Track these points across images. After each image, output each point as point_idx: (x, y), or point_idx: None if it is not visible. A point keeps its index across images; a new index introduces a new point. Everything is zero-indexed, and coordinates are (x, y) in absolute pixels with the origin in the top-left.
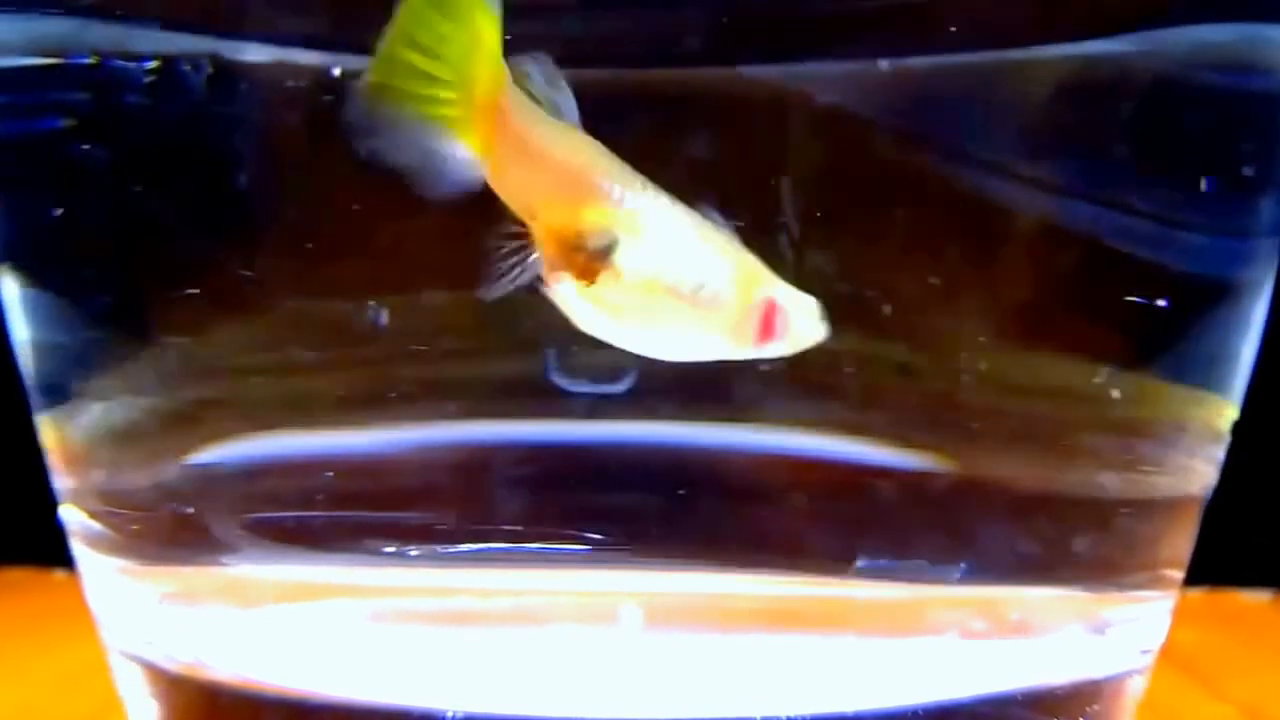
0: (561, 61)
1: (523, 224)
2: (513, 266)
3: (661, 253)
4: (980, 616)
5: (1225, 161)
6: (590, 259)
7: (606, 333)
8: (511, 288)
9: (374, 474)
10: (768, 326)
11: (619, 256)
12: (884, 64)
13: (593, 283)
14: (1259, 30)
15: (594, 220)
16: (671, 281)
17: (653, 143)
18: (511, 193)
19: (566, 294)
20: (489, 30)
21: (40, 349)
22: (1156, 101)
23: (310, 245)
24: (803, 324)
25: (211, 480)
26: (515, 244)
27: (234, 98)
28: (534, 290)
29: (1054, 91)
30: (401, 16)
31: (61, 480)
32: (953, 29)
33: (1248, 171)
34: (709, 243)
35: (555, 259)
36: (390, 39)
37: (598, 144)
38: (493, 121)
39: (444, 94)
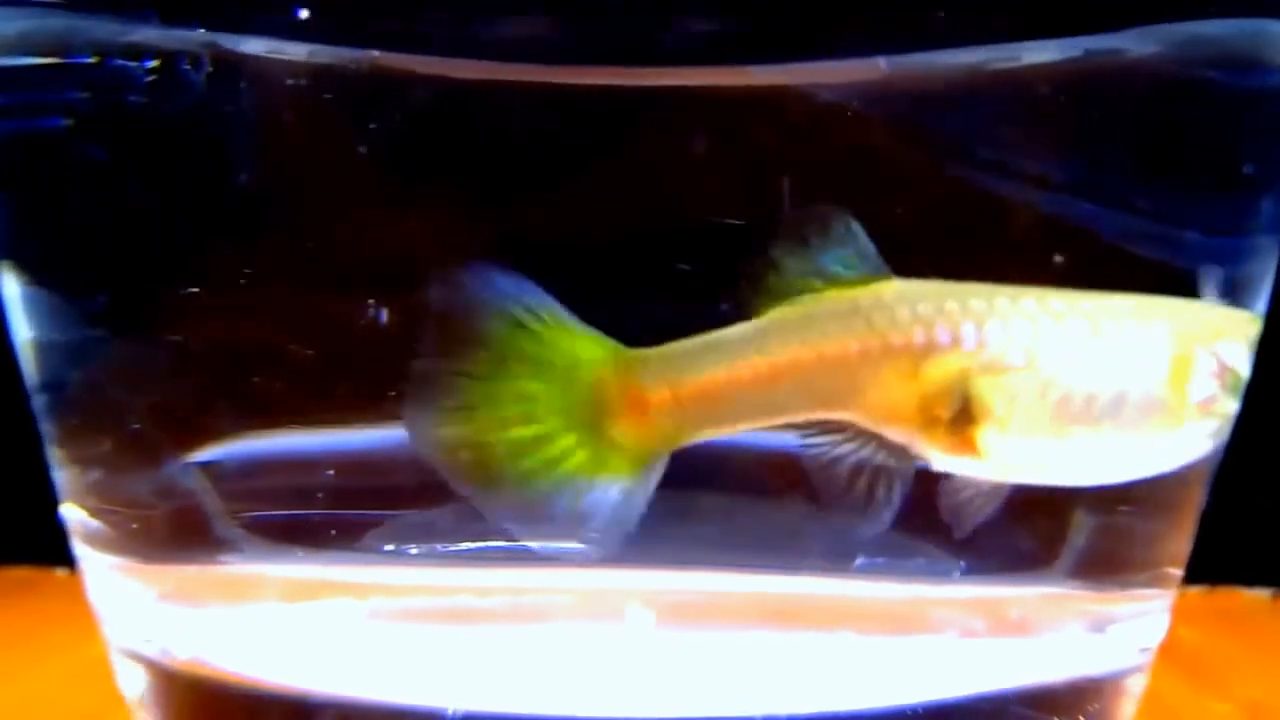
0: None
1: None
2: (869, 483)
3: (1045, 372)
4: (980, 615)
5: (1225, 159)
6: (954, 429)
7: (1046, 476)
8: (891, 512)
9: (373, 472)
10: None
11: (989, 404)
12: (881, 63)
13: (974, 450)
14: (1260, 26)
15: (931, 382)
16: (1078, 400)
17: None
18: (776, 411)
19: (960, 468)
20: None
21: (40, 347)
22: (1156, 98)
23: (310, 243)
24: (1240, 358)
25: (211, 478)
26: (835, 439)
27: (234, 95)
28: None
29: (1052, 87)
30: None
31: (62, 479)
32: (949, 24)
33: (1248, 169)
34: (1106, 329)
35: (911, 442)
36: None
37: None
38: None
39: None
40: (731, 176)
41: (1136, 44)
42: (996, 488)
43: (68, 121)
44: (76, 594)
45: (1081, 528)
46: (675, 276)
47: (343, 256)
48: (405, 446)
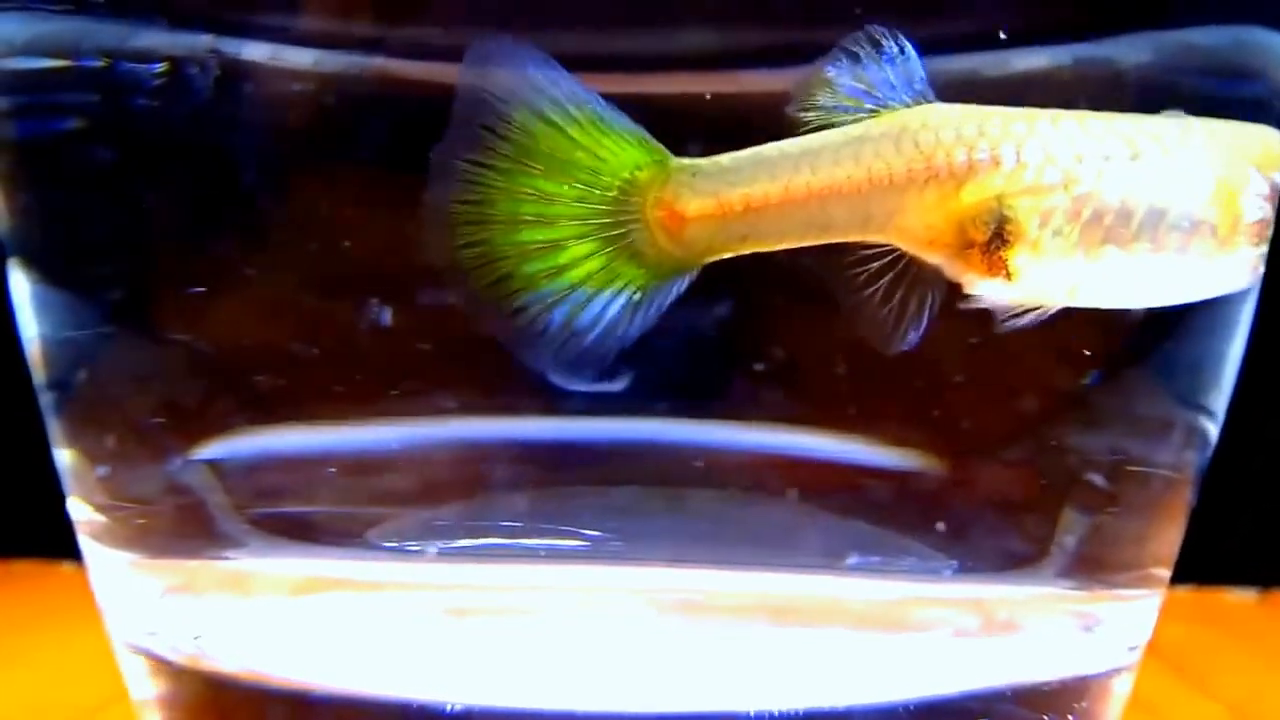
0: None
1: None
2: (903, 303)
3: (1079, 194)
4: (970, 614)
5: None
6: (988, 251)
7: (1077, 299)
8: (918, 333)
9: (376, 469)
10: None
11: (1023, 226)
12: None
13: (1009, 275)
14: (1248, 34)
15: (968, 206)
16: (1113, 221)
17: None
18: (819, 230)
19: (995, 295)
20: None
21: (49, 344)
22: (1146, 105)
23: (315, 243)
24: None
25: (216, 474)
26: (878, 262)
27: (240, 98)
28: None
29: (1041, 95)
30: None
31: (68, 474)
32: (943, 30)
33: None
34: (1147, 146)
35: (950, 268)
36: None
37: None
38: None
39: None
40: None
41: (1125, 52)
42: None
43: (76, 123)
44: (82, 588)
45: (1071, 528)
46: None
47: (347, 256)
48: (407, 444)
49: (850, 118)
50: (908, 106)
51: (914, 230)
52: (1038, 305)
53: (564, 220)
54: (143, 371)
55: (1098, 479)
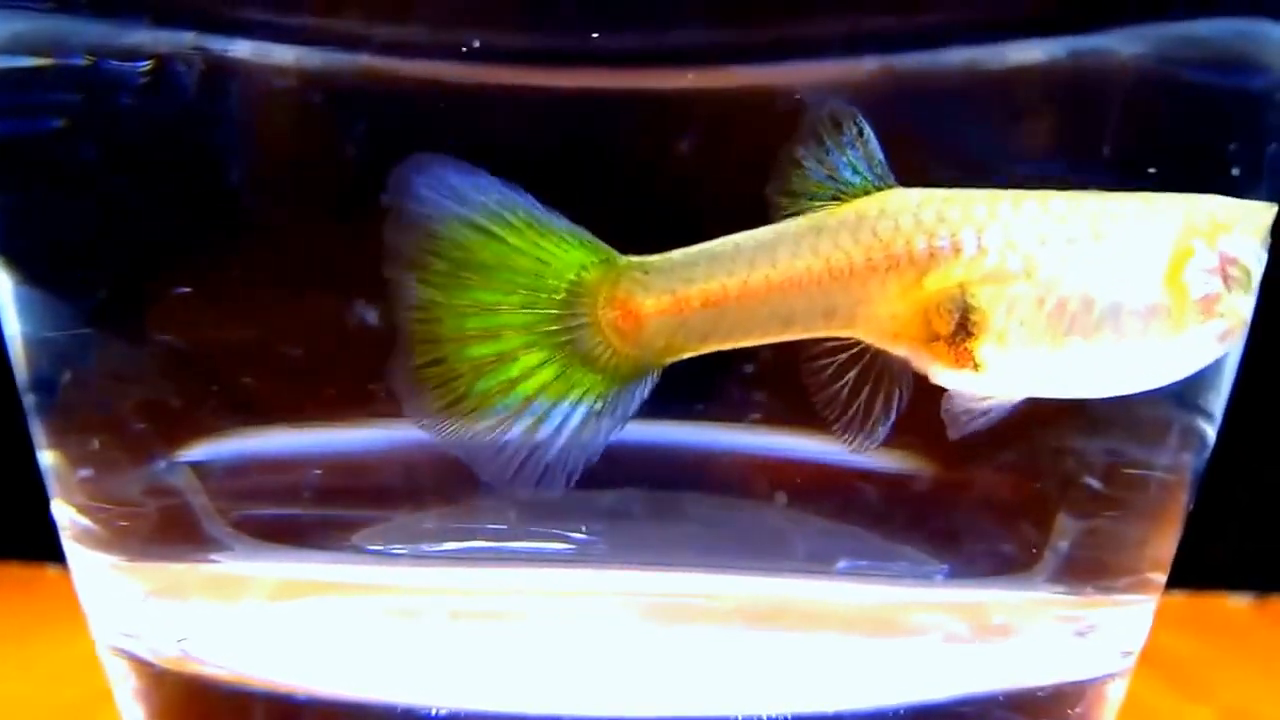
0: None
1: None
2: (871, 397)
3: (1045, 282)
4: (962, 618)
5: (1214, 159)
6: (954, 343)
7: (1044, 390)
8: (886, 428)
9: (361, 472)
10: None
11: (987, 316)
12: (868, 63)
13: (975, 365)
14: (1249, 26)
15: (931, 295)
16: (1076, 309)
17: None
18: (781, 325)
19: (961, 384)
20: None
21: (32, 345)
22: (1144, 98)
23: (299, 243)
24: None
25: (200, 477)
26: (844, 353)
27: (225, 96)
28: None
29: (1044, 87)
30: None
31: (52, 477)
32: (940, 22)
33: (1237, 170)
34: (1106, 230)
35: (917, 360)
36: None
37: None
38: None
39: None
40: (725, 179)
41: (1124, 44)
42: (999, 405)
43: (60, 122)
44: (66, 591)
45: (1065, 532)
46: None
47: (331, 257)
48: (392, 447)
49: (814, 205)
50: (868, 192)
51: (879, 321)
52: (1001, 399)
53: (510, 331)
54: (126, 373)
55: (1092, 482)
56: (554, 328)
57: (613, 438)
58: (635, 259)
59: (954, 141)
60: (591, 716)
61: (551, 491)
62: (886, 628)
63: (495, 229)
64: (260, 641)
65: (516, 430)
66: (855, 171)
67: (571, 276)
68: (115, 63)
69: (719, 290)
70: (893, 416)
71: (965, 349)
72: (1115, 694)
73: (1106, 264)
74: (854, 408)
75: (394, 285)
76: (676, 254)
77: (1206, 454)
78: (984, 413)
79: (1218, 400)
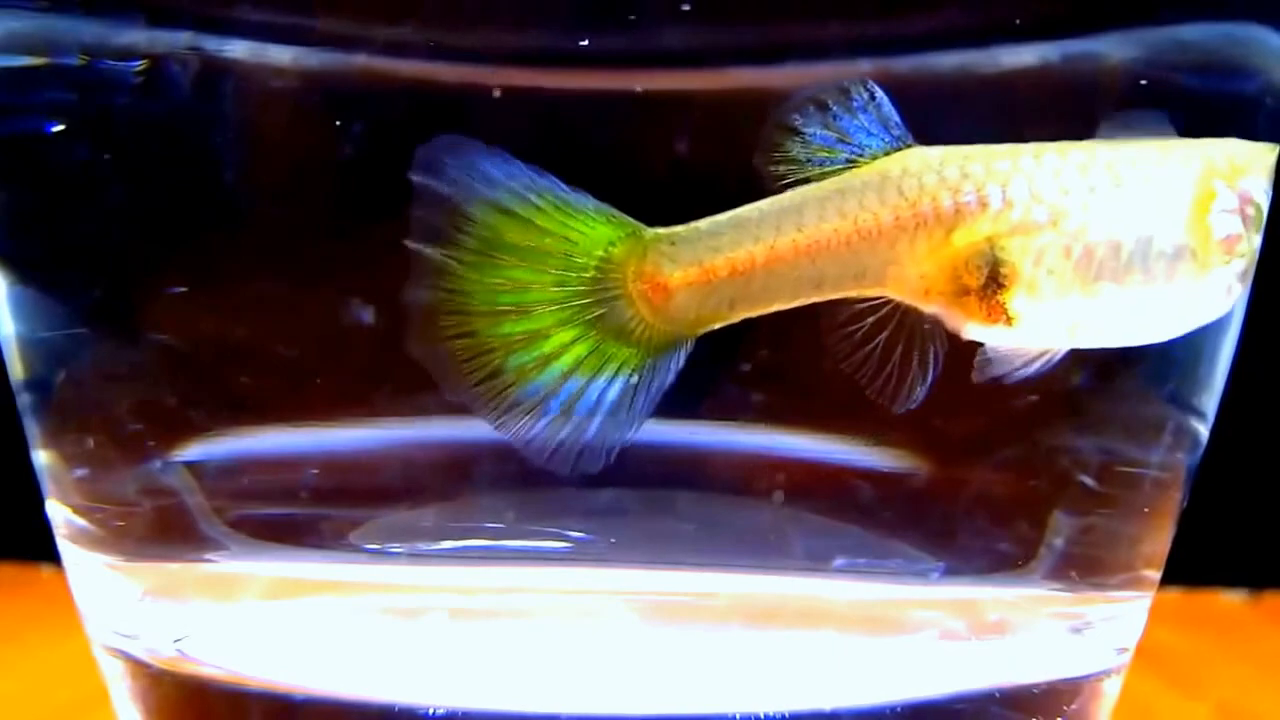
0: None
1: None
2: (905, 357)
3: (1071, 230)
4: (958, 616)
5: None
6: (985, 296)
7: (1078, 340)
8: (925, 388)
9: (357, 471)
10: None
11: (1017, 268)
12: (862, 66)
13: (1008, 318)
14: (1240, 30)
15: (959, 250)
16: (1105, 254)
17: None
18: (811, 288)
19: (993, 338)
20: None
21: (26, 345)
22: (1136, 102)
23: (294, 243)
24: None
25: (195, 476)
26: (873, 316)
27: (220, 96)
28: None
29: (1034, 90)
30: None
31: (47, 476)
32: (933, 26)
33: None
34: (1127, 177)
35: (946, 315)
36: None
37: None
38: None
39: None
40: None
41: (1116, 48)
42: (1039, 358)
43: (54, 122)
44: (62, 591)
45: (1060, 529)
46: None
47: (326, 256)
48: (388, 445)
49: (826, 170)
50: (887, 153)
51: (909, 280)
52: (1043, 350)
53: (543, 307)
54: (121, 373)
55: (1087, 480)
56: (585, 303)
57: (649, 410)
58: (663, 230)
59: (945, 145)
60: (589, 715)
61: (591, 469)
62: (883, 625)
63: (523, 211)
64: (257, 641)
65: (554, 406)
66: (870, 134)
67: (600, 253)
68: (110, 62)
69: (746, 257)
70: (930, 377)
71: (997, 302)
72: (1111, 690)
73: (1131, 209)
74: (888, 368)
75: (415, 258)
76: (703, 223)
77: (1200, 452)
78: (1026, 363)
79: (1211, 398)
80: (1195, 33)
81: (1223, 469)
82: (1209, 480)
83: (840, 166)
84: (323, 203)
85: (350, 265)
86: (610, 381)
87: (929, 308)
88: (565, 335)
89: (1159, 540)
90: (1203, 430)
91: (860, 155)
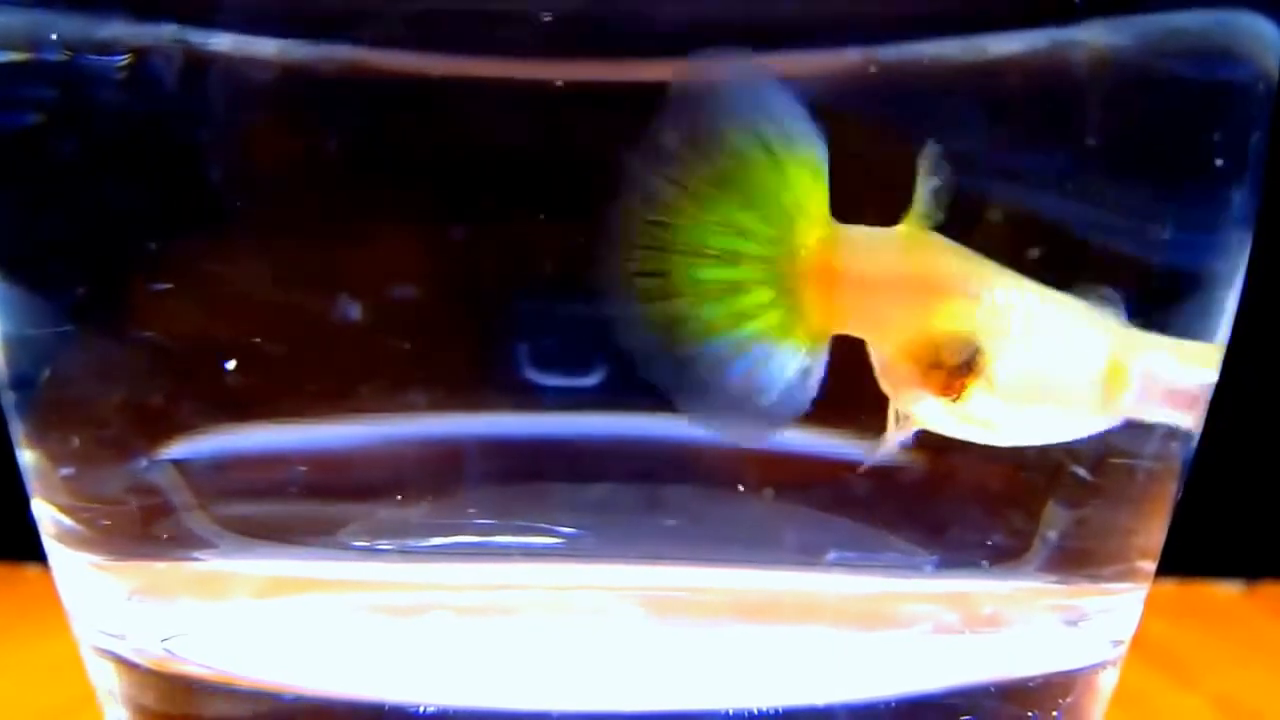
0: None
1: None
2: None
3: (1037, 351)
4: (952, 609)
5: (1196, 152)
6: (953, 375)
7: (973, 436)
8: (895, 449)
9: (346, 467)
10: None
11: (990, 364)
12: (847, 55)
13: (959, 398)
14: (1231, 18)
15: (951, 329)
16: (1048, 380)
17: None
18: (834, 323)
19: (929, 414)
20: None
21: (10, 343)
22: (1126, 90)
23: (282, 239)
24: (1184, 382)
25: (183, 474)
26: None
27: (206, 90)
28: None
29: (1021, 79)
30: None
31: (32, 475)
32: (919, 13)
33: (1219, 163)
34: (1081, 327)
35: (910, 378)
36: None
37: (936, 235)
38: (827, 292)
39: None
40: None
41: (1104, 36)
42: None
43: (37, 117)
44: (49, 591)
45: (1054, 521)
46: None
47: (314, 253)
48: (378, 442)
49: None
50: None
51: (909, 334)
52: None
53: (751, 260)
54: (107, 371)
55: (1081, 471)
56: (786, 268)
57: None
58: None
59: (932, 134)
60: (580, 712)
61: (757, 440)
62: (876, 619)
63: (779, 153)
64: (246, 640)
65: (738, 368)
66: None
67: (817, 222)
68: (93, 56)
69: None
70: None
71: (961, 383)
72: (1107, 683)
73: (1064, 347)
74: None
75: (630, 174)
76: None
77: (1194, 443)
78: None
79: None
80: (1186, 19)
81: (1217, 460)
82: (1204, 470)
83: None
84: (310, 198)
85: (338, 260)
86: (790, 356)
87: (901, 365)
88: (763, 295)
89: (1154, 532)
90: (1197, 421)
91: None
